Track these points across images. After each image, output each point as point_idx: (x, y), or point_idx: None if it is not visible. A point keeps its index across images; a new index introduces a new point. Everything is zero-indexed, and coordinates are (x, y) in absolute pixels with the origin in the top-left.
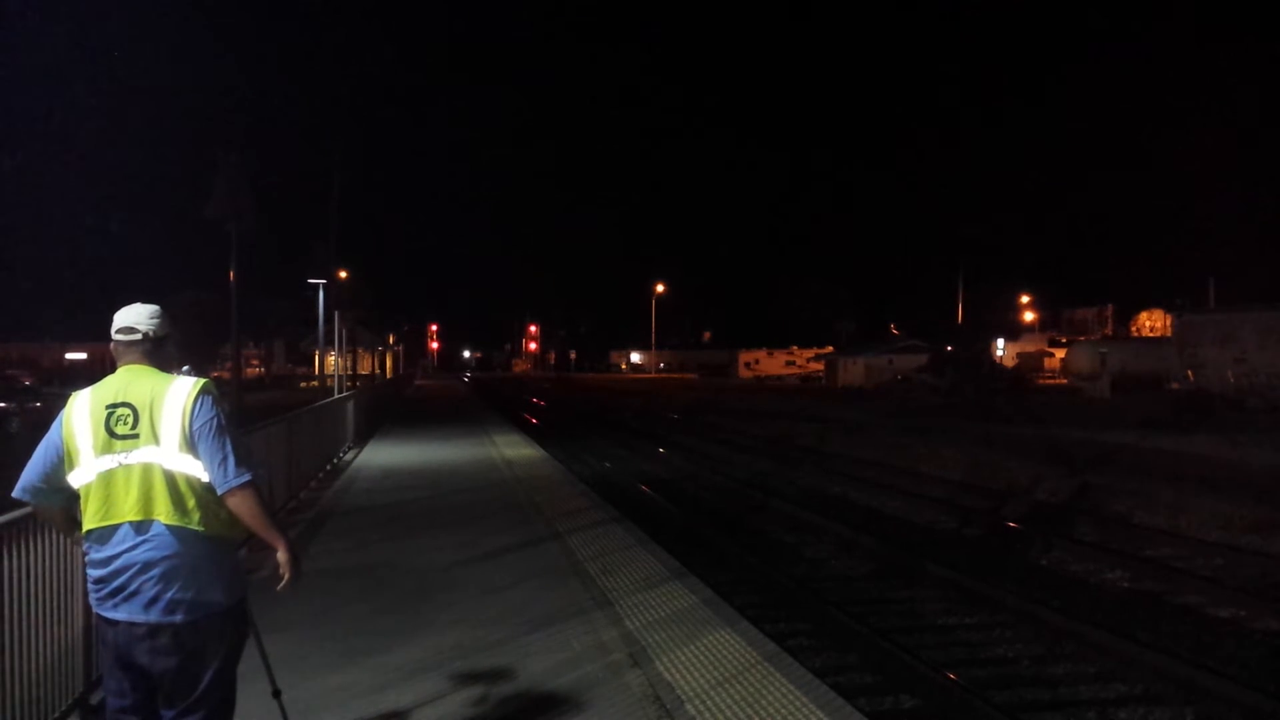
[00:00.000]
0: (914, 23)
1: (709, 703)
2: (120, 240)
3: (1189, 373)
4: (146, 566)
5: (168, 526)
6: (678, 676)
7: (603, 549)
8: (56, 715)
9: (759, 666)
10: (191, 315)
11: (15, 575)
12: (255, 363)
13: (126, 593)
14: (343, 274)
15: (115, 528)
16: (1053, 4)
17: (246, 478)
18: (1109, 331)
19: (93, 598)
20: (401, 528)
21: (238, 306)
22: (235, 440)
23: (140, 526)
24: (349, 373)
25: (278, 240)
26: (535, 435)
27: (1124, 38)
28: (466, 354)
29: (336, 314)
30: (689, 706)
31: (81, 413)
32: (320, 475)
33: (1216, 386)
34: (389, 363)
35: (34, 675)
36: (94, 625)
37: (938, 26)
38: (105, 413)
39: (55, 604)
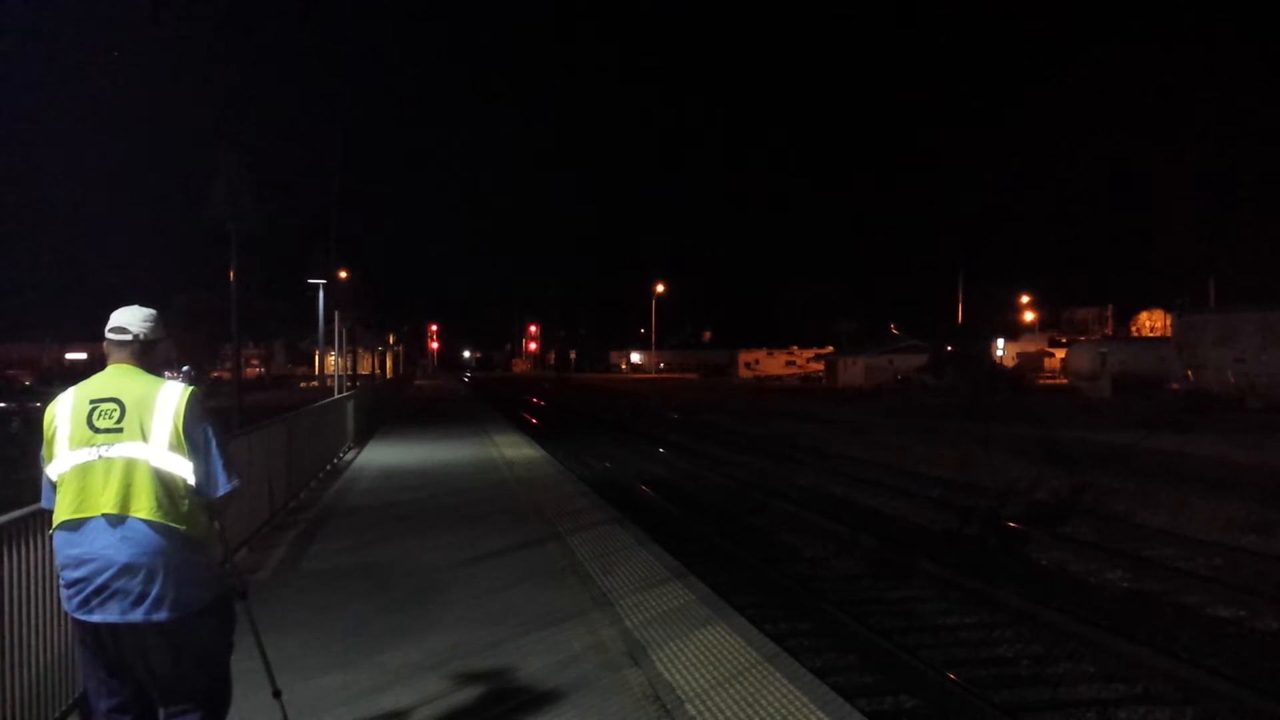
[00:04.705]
0: (913, 21)
1: (709, 702)
2: (120, 240)
3: (1189, 373)
4: (128, 566)
5: (145, 522)
6: (677, 676)
7: (603, 549)
8: (56, 715)
9: (759, 666)
10: (192, 315)
11: (15, 575)
12: (255, 363)
13: (109, 592)
14: (343, 274)
15: (87, 521)
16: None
17: (237, 483)
18: (1109, 331)
19: (72, 602)
20: (401, 528)
21: (238, 307)
22: (226, 447)
23: (115, 520)
24: (349, 373)
25: (278, 240)
26: (535, 435)
27: (1125, 35)
28: (466, 354)
29: (336, 314)
30: (689, 706)
31: (64, 407)
32: (320, 475)
33: (1216, 386)
34: (389, 363)
35: (34, 675)
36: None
37: (937, 26)
38: (89, 407)
39: (55, 603)
